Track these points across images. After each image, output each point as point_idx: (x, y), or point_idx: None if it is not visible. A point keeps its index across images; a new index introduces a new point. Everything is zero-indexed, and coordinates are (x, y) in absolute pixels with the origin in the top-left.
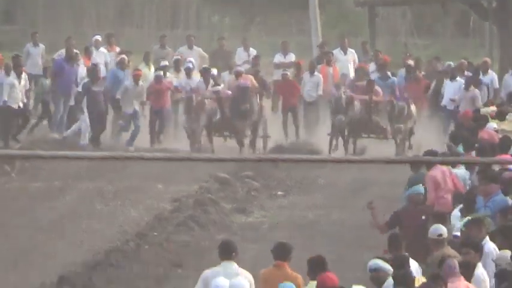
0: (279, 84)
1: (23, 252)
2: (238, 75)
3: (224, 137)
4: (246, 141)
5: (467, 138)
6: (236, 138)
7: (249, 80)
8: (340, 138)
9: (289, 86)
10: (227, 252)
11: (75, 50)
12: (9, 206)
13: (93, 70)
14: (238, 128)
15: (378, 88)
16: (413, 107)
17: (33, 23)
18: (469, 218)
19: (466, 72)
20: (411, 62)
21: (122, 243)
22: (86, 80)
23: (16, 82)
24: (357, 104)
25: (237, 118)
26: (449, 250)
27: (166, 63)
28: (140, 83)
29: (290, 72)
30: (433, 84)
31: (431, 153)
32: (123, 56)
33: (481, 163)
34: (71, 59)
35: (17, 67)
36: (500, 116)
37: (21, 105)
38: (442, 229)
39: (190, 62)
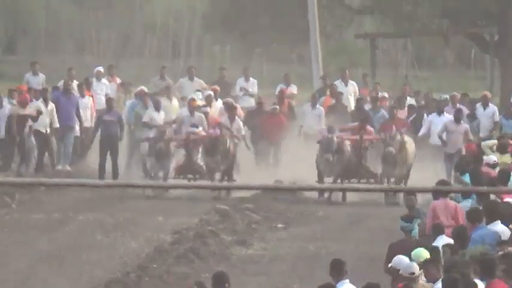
0: (266, 118)
1: (23, 284)
2: (230, 108)
3: (188, 179)
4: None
5: (474, 170)
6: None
7: (237, 116)
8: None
9: (275, 121)
10: (220, 283)
11: (75, 81)
12: (9, 237)
13: (108, 100)
14: (204, 170)
15: (369, 128)
16: (408, 139)
17: (35, 54)
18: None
19: (458, 105)
20: (376, 95)
21: (122, 275)
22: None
23: (43, 106)
24: (347, 146)
25: (211, 162)
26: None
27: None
28: (196, 112)
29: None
30: (410, 119)
31: (443, 183)
32: (142, 87)
33: (484, 193)
34: (67, 91)
35: (44, 93)
36: (501, 149)
37: (48, 130)
38: (415, 267)
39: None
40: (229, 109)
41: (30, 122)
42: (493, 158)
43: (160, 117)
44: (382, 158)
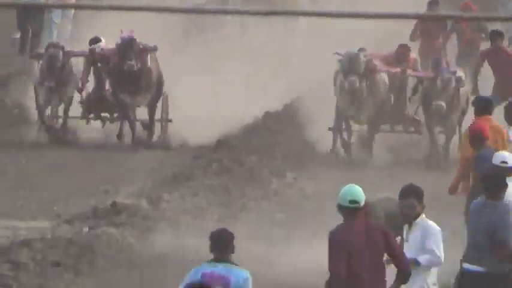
0: None
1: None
2: None
3: (102, 119)
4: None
5: None
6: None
7: None
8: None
9: None
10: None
11: None
12: None
13: None
14: (122, 105)
15: (414, 55)
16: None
17: None
18: None
19: None
20: None
21: (278, 110)
22: None
23: None
24: (383, 78)
25: (122, 90)
26: None
27: None
28: None
29: None
30: None
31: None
32: None
33: None
34: None
35: None
36: None
37: None
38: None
39: None
40: None
41: None
42: None
43: None
44: (429, 111)
